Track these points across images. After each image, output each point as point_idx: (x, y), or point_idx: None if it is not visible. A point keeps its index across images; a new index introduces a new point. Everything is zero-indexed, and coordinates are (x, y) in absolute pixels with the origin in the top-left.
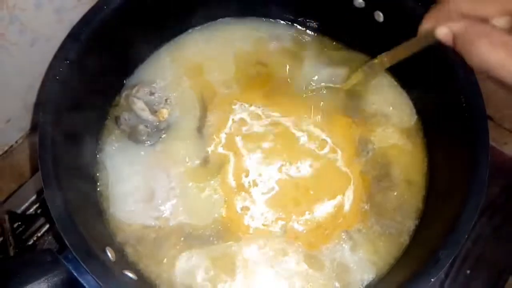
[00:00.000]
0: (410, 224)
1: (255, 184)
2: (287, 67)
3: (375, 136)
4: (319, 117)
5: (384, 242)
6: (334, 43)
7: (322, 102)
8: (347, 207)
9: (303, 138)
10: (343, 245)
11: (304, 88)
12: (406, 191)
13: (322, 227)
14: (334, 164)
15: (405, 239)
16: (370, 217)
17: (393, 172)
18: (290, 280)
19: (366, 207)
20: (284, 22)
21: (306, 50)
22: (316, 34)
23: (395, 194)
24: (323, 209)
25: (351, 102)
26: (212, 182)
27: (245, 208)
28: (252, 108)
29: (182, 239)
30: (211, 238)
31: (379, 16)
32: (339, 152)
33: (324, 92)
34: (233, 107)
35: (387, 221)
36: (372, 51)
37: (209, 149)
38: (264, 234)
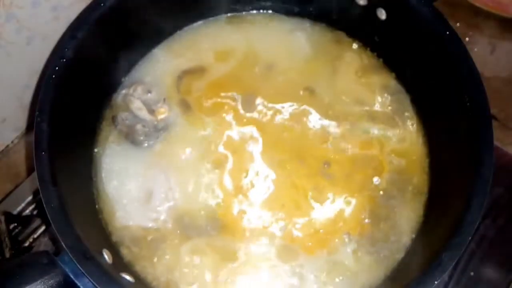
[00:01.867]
0: (406, 239)
1: (253, 185)
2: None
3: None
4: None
5: (376, 262)
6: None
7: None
8: (348, 211)
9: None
10: (344, 248)
11: None
12: (407, 201)
13: (320, 232)
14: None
15: (401, 255)
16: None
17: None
18: (285, 282)
19: (366, 220)
20: (284, 17)
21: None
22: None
23: (395, 202)
24: (323, 212)
25: None
26: (211, 182)
27: (242, 211)
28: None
29: (179, 232)
30: (211, 232)
31: (382, 14)
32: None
33: None
34: (235, 105)
35: (382, 243)
36: (374, 48)
37: (209, 149)
38: (261, 235)
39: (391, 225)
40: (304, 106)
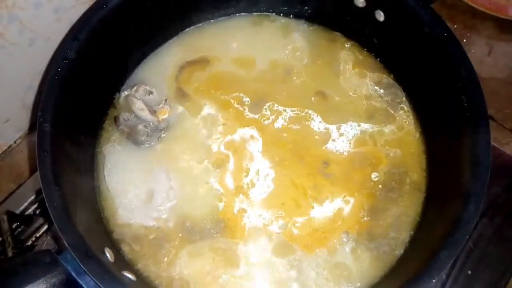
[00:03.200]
0: (405, 236)
1: (253, 184)
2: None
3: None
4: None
5: (375, 260)
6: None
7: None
8: (347, 210)
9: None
10: (343, 246)
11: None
12: (405, 194)
13: (319, 230)
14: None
15: (400, 251)
16: (367, 227)
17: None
18: (286, 281)
19: (365, 218)
20: (281, 18)
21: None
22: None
23: (395, 200)
24: (322, 211)
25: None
26: (211, 181)
27: (243, 210)
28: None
29: (180, 235)
30: (212, 231)
31: (380, 15)
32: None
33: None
34: (237, 106)
35: (382, 239)
36: (372, 49)
37: (209, 149)
38: (261, 234)
39: (390, 221)
40: (307, 110)
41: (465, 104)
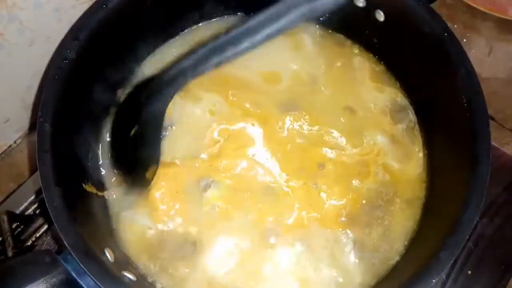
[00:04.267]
0: (398, 245)
1: (252, 184)
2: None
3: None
4: None
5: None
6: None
7: None
8: (343, 211)
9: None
10: (338, 245)
11: None
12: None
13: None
14: None
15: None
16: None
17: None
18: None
19: (361, 219)
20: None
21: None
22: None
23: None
24: (315, 210)
25: None
26: (215, 181)
27: (241, 209)
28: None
29: (180, 235)
30: None
31: (380, 16)
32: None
33: None
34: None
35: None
36: (372, 50)
37: (213, 148)
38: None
39: (387, 223)
40: (328, 129)
41: (465, 105)
